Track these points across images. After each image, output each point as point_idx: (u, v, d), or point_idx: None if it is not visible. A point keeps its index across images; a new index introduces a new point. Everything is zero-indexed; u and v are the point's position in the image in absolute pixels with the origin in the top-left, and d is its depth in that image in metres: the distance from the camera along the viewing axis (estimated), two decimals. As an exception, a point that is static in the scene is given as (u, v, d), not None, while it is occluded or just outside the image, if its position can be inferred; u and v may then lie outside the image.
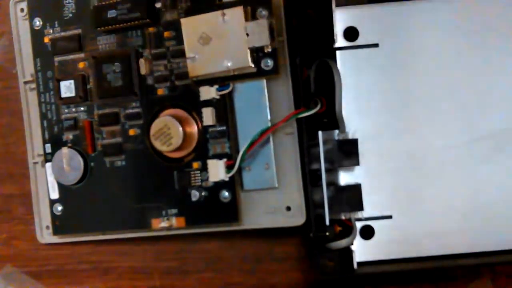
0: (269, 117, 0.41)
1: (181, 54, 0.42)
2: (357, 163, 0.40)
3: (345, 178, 0.41)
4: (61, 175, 0.46)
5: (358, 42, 0.40)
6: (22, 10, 0.47)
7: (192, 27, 0.41)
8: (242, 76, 0.41)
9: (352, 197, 0.40)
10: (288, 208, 0.42)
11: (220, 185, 0.42)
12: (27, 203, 0.52)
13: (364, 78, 0.40)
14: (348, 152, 0.40)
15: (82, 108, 0.45)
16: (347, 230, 0.40)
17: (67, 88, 0.45)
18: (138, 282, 0.51)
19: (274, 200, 0.42)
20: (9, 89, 0.52)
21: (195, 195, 0.42)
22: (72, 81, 0.45)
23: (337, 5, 0.40)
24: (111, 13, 0.44)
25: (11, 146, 0.52)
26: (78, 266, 0.51)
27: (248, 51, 0.40)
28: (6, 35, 0.52)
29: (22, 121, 0.50)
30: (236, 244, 0.49)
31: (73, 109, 0.46)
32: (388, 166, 0.40)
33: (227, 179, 0.42)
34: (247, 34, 0.40)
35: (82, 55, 0.45)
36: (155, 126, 0.42)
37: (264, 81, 0.41)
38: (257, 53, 0.41)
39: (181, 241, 0.48)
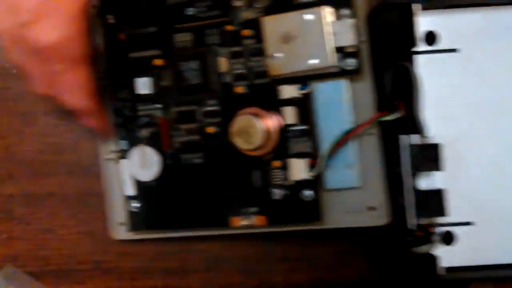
0: (350, 117, 0.41)
1: (260, 52, 0.42)
2: (439, 168, 0.39)
3: (425, 182, 0.40)
4: (137, 172, 0.45)
5: (438, 46, 0.39)
6: (94, 7, 0.46)
7: (274, 26, 0.41)
8: (323, 75, 0.41)
9: (435, 202, 0.39)
10: (371, 208, 0.41)
11: (301, 184, 0.42)
12: (27, 203, 0.52)
13: (443, 83, 0.39)
14: (430, 157, 0.39)
15: (158, 105, 0.45)
16: (427, 235, 0.39)
17: (143, 85, 0.45)
18: (139, 282, 0.51)
19: (356, 199, 0.42)
20: (9, 89, 0.52)
21: (277, 193, 0.42)
22: (148, 78, 0.44)
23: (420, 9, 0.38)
24: (189, 11, 0.43)
25: (11, 146, 0.52)
26: (78, 266, 0.52)
27: (332, 50, 0.39)
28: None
29: (22, 121, 0.51)
30: (236, 244, 0.50)
31: (149, 106, 0.45)
32: (469, 172, 0.39)
33: (310, 178, 0.41)
34: (332, 34, 0.38)
35: (157, 52, 0.44)
36: (237, 124, 0.42)
37: (345, 80, 0.41)
38: (339, 53, 0.40)
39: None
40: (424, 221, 0.39)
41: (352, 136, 0.41)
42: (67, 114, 0.46)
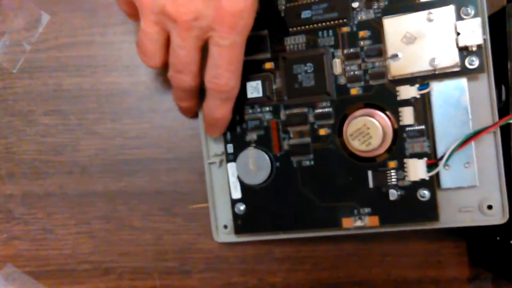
0: (468, 117, 0.41)
1: (377, 53, 0.42)
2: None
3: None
4: (246, 175, 0.46)
5: None
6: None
7: (395, 27, 0.41)
8: (444, 75, 0.41)
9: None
10: (490, 207, 0.41)
11: (417, 184, 0.43)
12: (27, 203, 0.52)
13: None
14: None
15: (267, 108, 0.45)
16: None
17: (254, 89, 0.45)
18: (139, 282, 0.51)
19: (473, 198, 0.43)
20: (9, 89, 0.52)
21: (393, 194, 0.42)
22: (259, 82, 0.45)
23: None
24: (305, 14, 0.44)
25: (11, 146, 0.52)
26: (78, 266, 0.52)
27: (456, 49, 0.39)
28: (6, 35, 0.52)
29: (22, 121, 0.51)
30: (236, 245, 0.51)
31: (258, 109, 0.45)
32: None
33: (427, 178, 0.41)
34: (457, 33, 0.39)
35: (268, 55, 0.45)
36: (353, 126, 0.42)
37: (466, 79, 0.41)
38: (462, 52, 0.40)
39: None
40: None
41: (472, 134, 0.41)
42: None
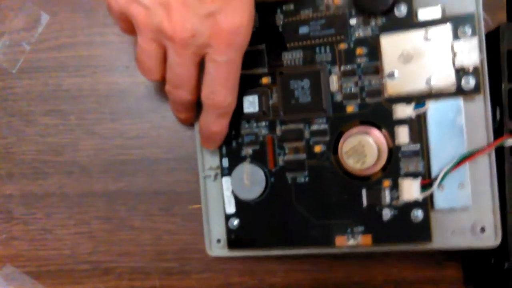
0: (465, 137, 0.40)
1: (373, 71, 0.42)
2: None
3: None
4: (241, 190, 0.46)
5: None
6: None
7: (393, 45, 0.41)
8: (440, 94, 0.41)
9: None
10: (482, 229, 0.41)
11: (411, 204, 0.42)
12: (27, 203, 0.52)
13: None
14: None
15: (263, 124, 0.45)
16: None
17: (250, 103, 0.45)
18: (138, 282, 0.51)
19: (466, 220, 0.43)
20: (9, 89, 0.52)
21: (386, 213, 0.42)
22: (256, 96, 0.44)
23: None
24: (303, 29, 0.44)
25: (11, 146, 0.52)
26: (77, 266, 0.52)
27: (453, 69, 0.39)
28: (6, 35, 0.52)
29: (21, 121, 0.52)
30: None
31: (254, 124, 0.45)
32: None
33: (421, 198, 0.41)
34: (454, 52, 0.39)
35: (265, 70, 0.44)
36: (349, 144, 0.42)
37: (461, 100, 0.40)
38: (459, 72, 0.40)
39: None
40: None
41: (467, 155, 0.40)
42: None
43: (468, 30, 0.40)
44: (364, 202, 0.43)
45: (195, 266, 0.50)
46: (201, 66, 0.41)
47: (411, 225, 0.42)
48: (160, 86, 0.52)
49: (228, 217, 0.47)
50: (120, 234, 0.53)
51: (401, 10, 0.41)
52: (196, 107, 0.46)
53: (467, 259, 0.47)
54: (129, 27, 0.40)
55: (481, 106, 0.41)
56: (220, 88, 0.40)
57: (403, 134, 0.42)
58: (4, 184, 0.50)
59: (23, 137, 0.50)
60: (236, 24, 0.37)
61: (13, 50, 0.53)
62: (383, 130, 0.43)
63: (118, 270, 0.50)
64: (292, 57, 0.45)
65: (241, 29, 0.38)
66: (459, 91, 0.41)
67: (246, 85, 0.46)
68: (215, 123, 0.43)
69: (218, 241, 0.48)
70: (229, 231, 0.47)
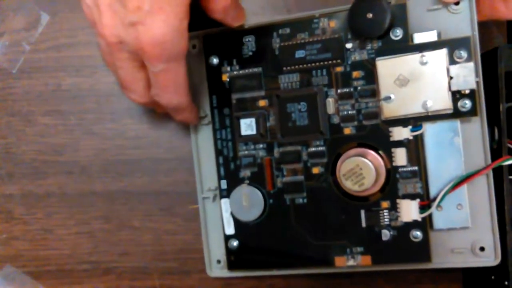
0: (462, 158, 0.41)
1: (370, 94, 0.43)
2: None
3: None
4: (240, 212, 0.46)
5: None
6: (194, 46, 0.47)
7: (389, 68, 0.41)
8: (437, 117, 0.41)
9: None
10: (482, 249, 0.41)
11: (410, 225, 0.43)
12: (27, 203, 0.52)
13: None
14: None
15: (261, 146, 0.45)
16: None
17: (248, 126, 0.45)
18: (138, 282, 0.51)
19: (465, 239, 0.43)
20: (9, 89, 0.53)
21: (385, 234, 0.42)
22: (253, 119, 0.45)
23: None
24: (299, 53, 0.44)
25: (11, 146, 0.53)
26: (78, 266, 0.52)
27: (450, 93, 0.39)
28: (6, 35, 0.52)
29: (21, 121, 0.52)
30: None
31: (252, 147, 0.45)
32: None
33: (419, 219, 0.41)
34: (450, 76, 0.39)
35: (262, 93, 0.45)
36: (346, 166, 0.42)
37: (458, 121, 0.41)
38: (455, 94, 0.40)
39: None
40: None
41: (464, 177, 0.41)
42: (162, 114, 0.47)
43: (464, 54, 0.40)
44: (363, 223, 0.44)
45: (195, 266, 0.51)
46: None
47: (410, 246, 0.43)
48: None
49: (227, 238, 0.47)
50: (120, 234, 0.53)
51: (397, 34, 0.41)
52: (191, 107, 0.44)
53: (468, 276, 0.47)
54: None
55: (478, 127, 0.41)
56: (162, 93, 0.40)
57: (400, 156, 0.42)
58: (4, 184, 0.51)
59: (23, 137, 0.51)
60: (157, 38, 0.36)
61: (13, 50, 0.53)
62: (381, 152, 0.42)
63: (118, 270, 0.51)
64: (289, 80, 0.45)
65: (165, 44, 0.36)
66: (455, 113, 0.41)
67: (244, 107, 0.47)
68: (175, 115, 0.44)
69: (218, 261, 0.48)
70: (228, 252, 0.47)
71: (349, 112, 0.43)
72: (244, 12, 0.43)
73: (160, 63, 0.37)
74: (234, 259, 0.47)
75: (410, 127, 0.42)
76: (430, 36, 0.41)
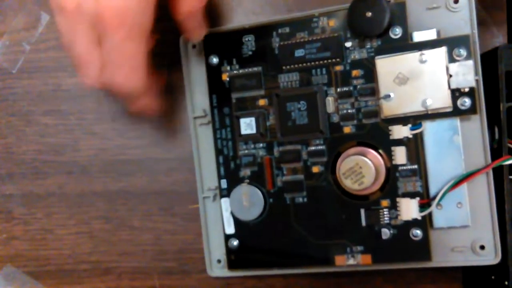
0: (462, 157, 0.41)
1: (369, 92, 0.43)
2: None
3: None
4: (240, 211, 0.46)
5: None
6: (194, 46, 0.47)
7: (388, 67, 0.41)
8: (436, 115, 0.41)
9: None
10: (482, 247, 0.41)
11: (410, 223, 0.43)
12: (27, 203, 0.52)
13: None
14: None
15: (261, 145, 0.45)
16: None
17: (247, 125, 0.45)
18: (138, 282, 0.51)
19: (466, 238, 0.43)
20: (9, 89, 0.52)
21: (385, 233, 0.42)
22: (252, 118, 0.45)
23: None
24: (299, 52, 0.44)
25: (11, 146, 0.53)
26: (78, 266, 0.52)
27: (449, 91, 0.39)
28: (6, 35, 0.52)
29: (21, 121, 0.52)
30: None
31: (252, 146, 0.45)
32: None
33: (419, 217, 0.41)
34: (450, 75, 0.39)
35: (262, 92, 0.45)
36: (346, 165, 0.42)
37: (458, 120, 0.41)
38: (455, 93, 0.40)
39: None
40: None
41: (464, 175, 0.41)
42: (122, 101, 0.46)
43: (463, 52, 0.40)
44: (363, 221, 0.44)
45: (195, 266, 0.51)
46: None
47: (410, 244, 0.43)
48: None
49: (227, 237, 0.47)
50: (120, 234, 0.53)
51: (396, 33, 0.41)
52: (149, 95, 0.43)
53: (468, 275, 0.47)
54: None
55: (477, 125, 0.41)
56: (117, 71, 0.38)
57: (400, 155, 0.42)
58: (4, 184, 0.51)
59: (23, 137, 0.50)
60: (119, 5, 0.35)
61: (13, 50, 0.53)
62: (380, 150, 0.42)
63: (118, 270, 0.52)
64: (288, 79, 0.45)
65: (125, 11, 0.35)
66: (455, 112, 0.41)
67: (243, 107, 0.46)
68: (130, 105, 0.42)
69: (218, 261, 0.48)
70: (229, 251, 0.47)
71: (349, 111, 0.43)
72: (204, 32, 0.43)
73: (118, 33, 0.36)
74: (235, 258, 0.47)
75: (409, 125, 0.42)
76: (429, 35, 0.41)
